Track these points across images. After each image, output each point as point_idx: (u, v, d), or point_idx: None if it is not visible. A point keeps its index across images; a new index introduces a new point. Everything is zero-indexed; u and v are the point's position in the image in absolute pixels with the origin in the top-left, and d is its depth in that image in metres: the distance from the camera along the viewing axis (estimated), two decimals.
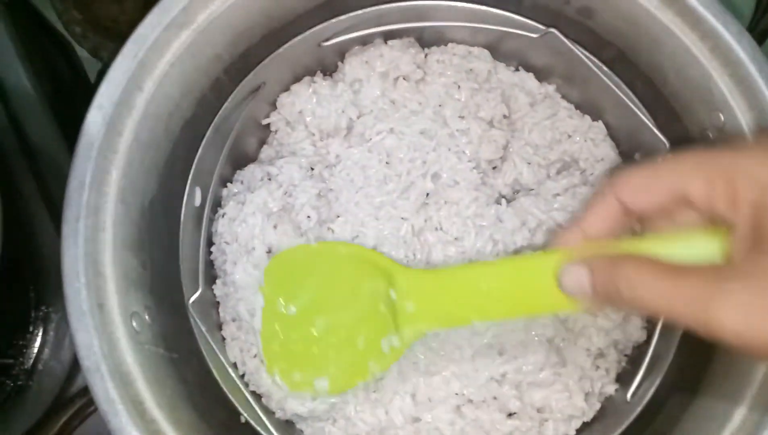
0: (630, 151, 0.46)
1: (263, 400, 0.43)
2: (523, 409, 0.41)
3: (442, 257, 0.42)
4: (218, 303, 0.44)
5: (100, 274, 0.34)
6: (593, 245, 0.30)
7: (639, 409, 0.42)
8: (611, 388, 0.43)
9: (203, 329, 0.41)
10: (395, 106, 0.45)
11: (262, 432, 0.41)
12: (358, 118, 0.45)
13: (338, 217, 0.43)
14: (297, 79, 0.47)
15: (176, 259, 0.41)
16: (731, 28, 0.36)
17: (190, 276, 0.42)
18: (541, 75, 0.48)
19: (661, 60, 0.40)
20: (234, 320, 0.43)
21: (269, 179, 0.44)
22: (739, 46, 0.36)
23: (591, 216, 0.30)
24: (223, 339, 0.44)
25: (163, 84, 0.37)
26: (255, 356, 0.42)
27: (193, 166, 0.42)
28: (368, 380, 0.39)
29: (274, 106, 0.47)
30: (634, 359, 0.44)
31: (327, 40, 0.45)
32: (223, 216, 0.44)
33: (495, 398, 0.41)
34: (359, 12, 0.44)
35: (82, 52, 0.57)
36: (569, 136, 0.47)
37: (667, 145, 0.42)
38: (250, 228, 0.42)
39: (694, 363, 0.40)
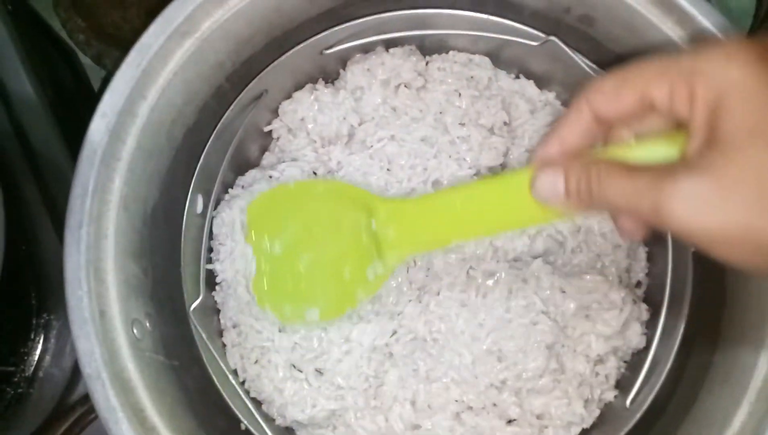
0: None
1: (264, 407, 0.43)
2: (523, 415, 0.42)
3: (442, 264, 0.42)
4: (219, 310, 0.44)
5: (102, 281, 0.34)
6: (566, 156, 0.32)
7: (638, 415, 0.42)
8: (611, 395, 0.43)
9: (204, 336, 0.41)
10: (396, 113, 0.45)
11: None
12: (360, 125, 0.46)
13: None
14: (299, 87, 0.47)
15: (177, 265, 0.41)
16: (731, 36, 0.36)
17: (192, 282, 0.42)
18: (542, 82, 0.48)
19: None
20: (234, 327, 0.43)
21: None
22: None
23: (566, 128, 0.31)
24: (224, 346, 0.44)
25: (166, 92, 0.37)
26: (256, 362, 0.42)
27: (195, 174, 0.42)
28: (356, 307, 0.40)
29: (276, 113, 0.47)
30: (633, 365, 0.44)
31: (329, 48, 0.45)
32: (216, 216, 0.44)
33: (495, 405, 0.41)
34: (361, 20, 0.44)
35: (85, 60, 0.57)
36: None
37: None
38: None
39: (693, 369, 0.40)
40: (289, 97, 0.47)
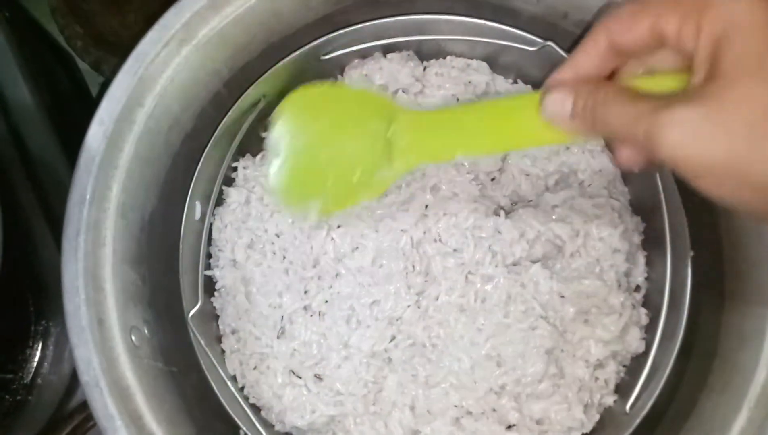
0: None
1: (263, 413, 0.43)
2: (522, 420, 0.41)
3: (441, 269, 0.42)
4: (217, 317, 0.44)
5: (100, 289, 0.34)
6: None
7: (638, 420, 0.41)
8: (610, 400, 0.43)
9: (202, 342, 0.41)
10: None
11: None
12: None
13: (339, 226, 0.43)
14: None
15: (176, 272, 0.41)
16: None
17: (190, 289, 0.42)
18: (539, 87, 0.48)
19: None
20: (233, 333, 0.43)
21: None
22: None
23: (581, 55, 0.32)
24: (223, 352, 0.44)
25: (164, 99, 0.37)
26: (255, 368, 0.42)
27: (193, 180, 0.42)
28: (357, 204, 0.41)
29: None
30: (633, 370, 0.44)
31: (327, 53, 0.45)
32: (215, 220, 0.44)
33: (494, 410, 0.41)
34: (359, 26, 0.44)
35: (83, 66, 0.57)
36: (567, 148, 0.47)
37: None
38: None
39: (693, 374, 0.40)
40: None
